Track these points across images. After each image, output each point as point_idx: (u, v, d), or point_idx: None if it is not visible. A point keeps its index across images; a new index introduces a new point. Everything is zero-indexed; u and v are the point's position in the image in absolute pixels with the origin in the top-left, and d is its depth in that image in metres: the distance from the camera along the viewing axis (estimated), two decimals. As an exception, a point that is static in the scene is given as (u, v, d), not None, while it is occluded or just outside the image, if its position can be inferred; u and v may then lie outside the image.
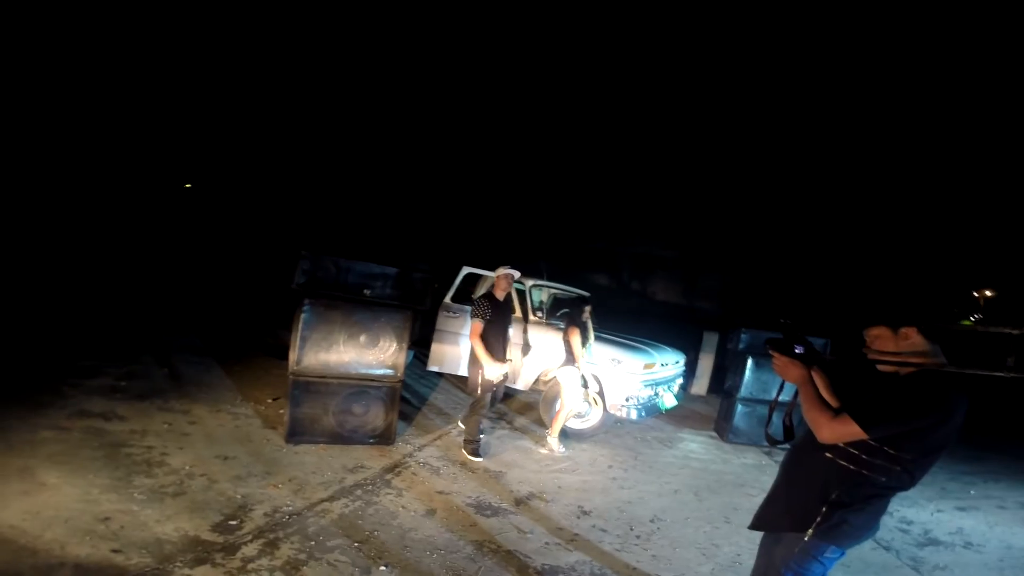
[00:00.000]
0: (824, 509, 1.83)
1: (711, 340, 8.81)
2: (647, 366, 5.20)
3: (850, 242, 14.42)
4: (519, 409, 5.89)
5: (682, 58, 15.07)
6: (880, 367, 1.92)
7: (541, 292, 6.42)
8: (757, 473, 4.85)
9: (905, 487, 1.80)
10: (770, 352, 2.15)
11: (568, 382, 4.64)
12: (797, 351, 2.12)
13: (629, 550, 3.09)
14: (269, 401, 4.80)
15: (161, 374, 5.16)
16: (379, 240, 15.98)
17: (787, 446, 2.19)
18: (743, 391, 5.66)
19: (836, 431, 1.81)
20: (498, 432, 4.97)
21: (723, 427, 5.83)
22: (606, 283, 14.35)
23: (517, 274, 4.53)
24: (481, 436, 4.35)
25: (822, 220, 14.54)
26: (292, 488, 3.16)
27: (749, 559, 3.08)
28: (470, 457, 4.17)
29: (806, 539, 1.86)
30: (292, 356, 3.90)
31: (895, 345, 1.87)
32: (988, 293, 28.72)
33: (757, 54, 14.76)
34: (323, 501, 3.07)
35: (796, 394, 2.21)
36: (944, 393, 1.72)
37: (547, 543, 3.03)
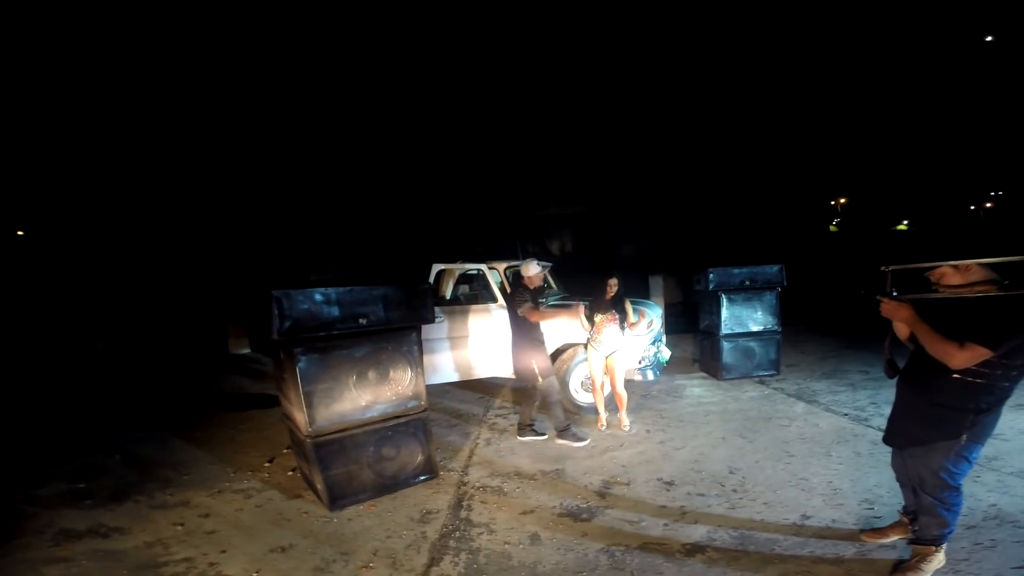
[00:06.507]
0: (972, 417, 2.09)
1: (656, 283, 9.30)
2: (649, 324, 5.26)
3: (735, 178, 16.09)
4: (506, 399, 5.76)
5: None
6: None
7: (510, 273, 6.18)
8: (771, 403, 5.12)
9: (1013, 389, 2.08)
10: (877, 298, 2.29)
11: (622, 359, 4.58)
12: (894, 294, 2.27)
13: (740, 505, 3.14)
14: (267, 465, 4.12)
15: (114, 462, 4.24)
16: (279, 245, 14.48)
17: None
18: (723, 329, 5.92)
19: (966, 357, 2.04)
20: (510, 432, 4.70)
21: (713, 366, 6.10)
22: (532, 249, 14.41)
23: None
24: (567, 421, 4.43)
25: (715, 162, 16.01)
26: (386, 564, 2.72)
27: (842, 483, 3.30)
28: (575, 443, 4.27)
29: (962, 443, 2.13)
30: (299, 417, 3.32)
31: (961, 278, 2.11)
32: (842, 200, 35.08)
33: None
34: (429, 567, 2.68)
35: (891, 330, 2.43)
36: None
37: (665, 524, 2.98)
